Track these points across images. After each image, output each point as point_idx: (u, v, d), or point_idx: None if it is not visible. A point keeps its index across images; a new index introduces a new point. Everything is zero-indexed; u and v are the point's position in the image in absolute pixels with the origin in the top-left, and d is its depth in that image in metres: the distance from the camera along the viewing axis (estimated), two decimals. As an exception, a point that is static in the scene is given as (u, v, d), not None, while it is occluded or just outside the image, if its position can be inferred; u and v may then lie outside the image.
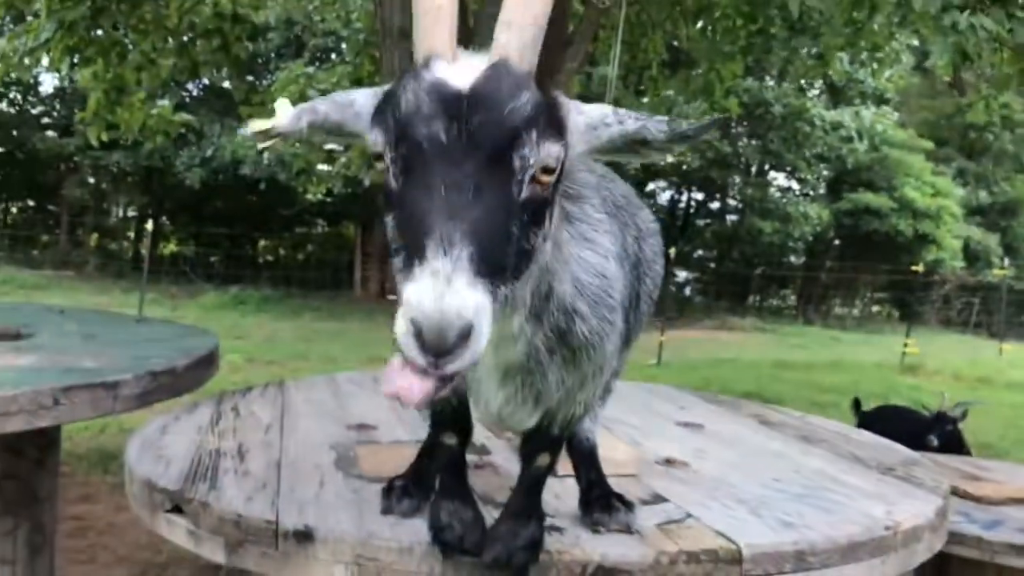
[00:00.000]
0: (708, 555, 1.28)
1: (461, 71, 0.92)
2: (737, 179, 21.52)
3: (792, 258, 23.23)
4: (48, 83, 19.20)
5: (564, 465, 1.50)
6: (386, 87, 1.01)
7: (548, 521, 1.32)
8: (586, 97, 1.10)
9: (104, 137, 6.15)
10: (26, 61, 5.62)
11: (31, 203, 22.58)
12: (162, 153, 16.28)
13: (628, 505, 1.41)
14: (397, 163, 0.93)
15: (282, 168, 14.70)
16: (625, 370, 1.65)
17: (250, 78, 13.70)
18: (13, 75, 5.96)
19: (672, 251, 15.18)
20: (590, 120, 1.03)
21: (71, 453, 4.42)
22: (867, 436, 2.29)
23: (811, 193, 21.68)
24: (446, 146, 0.89)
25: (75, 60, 5.79)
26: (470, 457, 1.46)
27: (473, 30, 4.15)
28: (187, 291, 15.95)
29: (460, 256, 0.84)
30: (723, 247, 23.00)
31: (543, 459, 1.30)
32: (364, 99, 1.06)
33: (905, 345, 12.36)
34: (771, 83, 17.89)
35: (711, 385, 7.89)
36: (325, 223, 23.14)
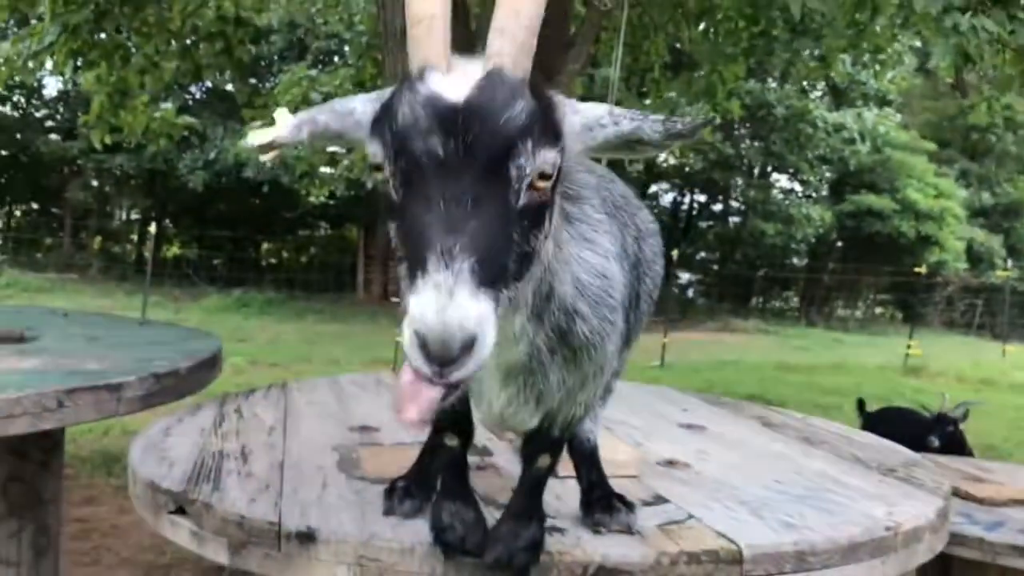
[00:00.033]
0: (709, 555, 1.28)
1: (455, 82, 0.93)
2: (740, 181, 21.54)
3: (795, 260, 23.24)
4: (52, 86, 19.30)
5: (565, 466, 1.51)
6: (385, 94, 1.01)
7: (549, 522, 1.33)
8: (588, 99, 1.10)
9: (107, 140, 6.15)
10: (30, 64, 5.63)
11: (35, 206, 22.63)
12: (165, 156, 16.33)
13: (629, 506, 1.42)
14: (396, 176, 0.94)
15: (285, 171, 14.69)
16: (626, 370, 1.65)
17: (253, 81, 13.75)
18: (17, 78, 5.98)
19: (675, 253, 15.20)
20: (586, 120, 1.04)
21: (75, 455, 4.43)
22: (868, 437, 2.29)
23: (814, 195, 21.68)
24: (443, 160, 0.90)
25: (79, 63, 5.80)
26: (472, 458, 1.47)
27: (475, 33, 4.15)
28: (190, 294, 16.00)
29: (461, 268, 0.85)
30: (726, 249, 23.00)
31: (544, 460, 1.31)
32: (364, 107, 1.07)
33: (908, 347, 12.34)
34: (773, 85, 17.87)
35: (714, 387, 7.88)
36: (328, 226, 23.16)
